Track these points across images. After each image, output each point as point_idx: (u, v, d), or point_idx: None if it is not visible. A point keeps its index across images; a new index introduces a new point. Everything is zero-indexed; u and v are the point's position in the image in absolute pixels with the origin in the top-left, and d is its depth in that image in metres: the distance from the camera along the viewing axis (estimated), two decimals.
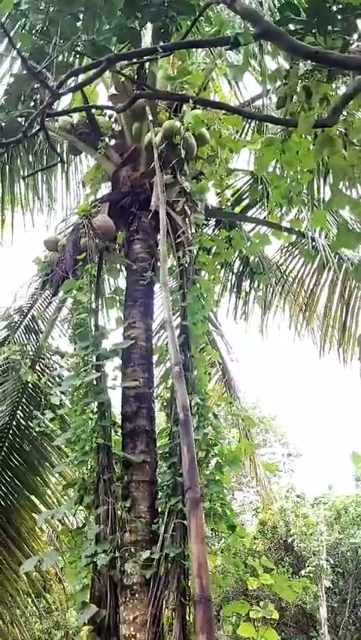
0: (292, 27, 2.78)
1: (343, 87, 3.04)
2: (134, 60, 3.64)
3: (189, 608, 4.02)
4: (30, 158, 6.72)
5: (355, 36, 2.57)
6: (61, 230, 6.35)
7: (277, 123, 3.40)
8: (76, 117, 5.98)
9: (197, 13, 3.13)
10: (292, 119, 2.95)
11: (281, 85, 2.90)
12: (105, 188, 6.19)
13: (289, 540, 14.74)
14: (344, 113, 2.79)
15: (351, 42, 2.55)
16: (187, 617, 3.98)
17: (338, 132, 2.86)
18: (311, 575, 13.88)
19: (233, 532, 4.44)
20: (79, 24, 2.86)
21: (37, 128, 2.74)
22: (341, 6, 2.74)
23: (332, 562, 14.36)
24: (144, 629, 3.99)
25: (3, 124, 3.07)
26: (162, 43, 3.03)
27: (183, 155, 5.07)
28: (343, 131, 2.89)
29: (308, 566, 14.05)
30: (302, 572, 14.00)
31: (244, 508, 19.24)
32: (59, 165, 6.85)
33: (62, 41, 2.81)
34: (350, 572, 14.67)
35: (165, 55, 3.07)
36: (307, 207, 5.52)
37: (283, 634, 14.98)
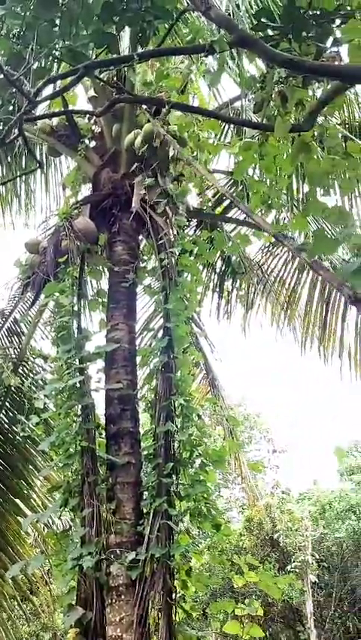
0: (269, 32, 2.82)
1: (319, 92, 3.08)
2: (111, 67, 3.64)
3: (175, 607, 4.05)
4: (9, 160, 6.71)
5: (329, 42, 2.61)
6: (43, 230, 6.33)
7: (254, 128, 3.43)
8: (55, 119, 5.96)
9: (174, 18, 3.15)
10: (270, 124, 2.99)
11: (258, 90, 2.93)
12: (86, 190, 6.18)
13: (275, 536, 14.86)
14: (321, 119, 2.83)
15: (325, 49, 2.59)
16: (173, 617, 4.01)
17: (313, 138, 2.89)
18: (297, 570, 14.02)
19: (218, 531, 4.48)
20: (56, 29, 2.86)
21: (16, 134, 2.73)
22: (315, 12, 2.78)
23: (317, 557, 14.52)
24: (131, 630, 4.01)
25: None
26: (139, 49, 3.05)
27: (167, 157, 5.08)
28: (318, 136, 2.93)
29: (294, 562, 14.18)
30: (288, 568, 14.13)
31: (231, 505, 19.35)
32: (42, 166, 6.83)
33: (39, 47, 2.81)
34: (336, 567, 14.85)
35: (142, 62, 3.08)
36: (286, 208, 5.57)
37: (270, 629, 15.11)
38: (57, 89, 4.30)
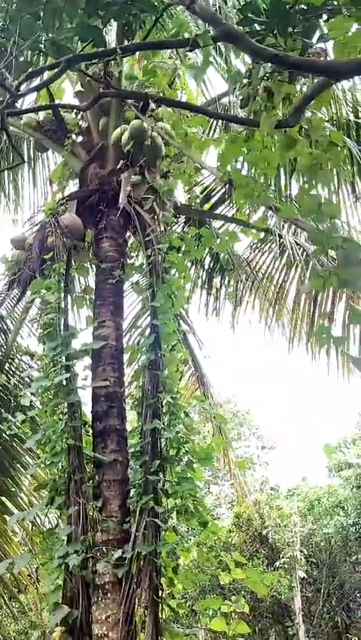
0: (256, 27, 2.80)
1: (305, 87, 3.07)
2: (95, 60, 3.60)
3: (162, 605, 4.04)
4: None
5: (315, 38, 2.60)
6: (30, 226, 6.27)
7: (241, 123, 3.41)
8: (42, 114, 5.90)
9: (159, 11, 3.12)
10: (256, 119, 2.97)
11: (244, 85, 2.91)
12: (73, 186, 6.13)
13: (264, 532, 14.92)
14: (308, 114, 2.82)
15: (311, 45, 2.58)
16: (159, 615, 4.00)
17: (300, 132, 2.88)
18: (286, 565, 14.08)
19: (205, 529, 4.48)
20: (39, 22, 2.82)
21: None
22: (302, 7, 2.76)
23: (305, 552, 14.58)
24: (117, 628, 4.00)
25: None
26: (125, 42, 3.01)
27: (155, 153, 5.04)
28: (305, 128, 2.91)
29: (283, 557, 14.24)
30: (277, 564, 14.19)
31: (220, 501, 19.40)
32: (26, 162, 6.78)
33: (22, 40, 2.77)
34: (324, 562, 14.93)
35: (126, 56, 3.05)
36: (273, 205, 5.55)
37: (259, 624, 15.18)
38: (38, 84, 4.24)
